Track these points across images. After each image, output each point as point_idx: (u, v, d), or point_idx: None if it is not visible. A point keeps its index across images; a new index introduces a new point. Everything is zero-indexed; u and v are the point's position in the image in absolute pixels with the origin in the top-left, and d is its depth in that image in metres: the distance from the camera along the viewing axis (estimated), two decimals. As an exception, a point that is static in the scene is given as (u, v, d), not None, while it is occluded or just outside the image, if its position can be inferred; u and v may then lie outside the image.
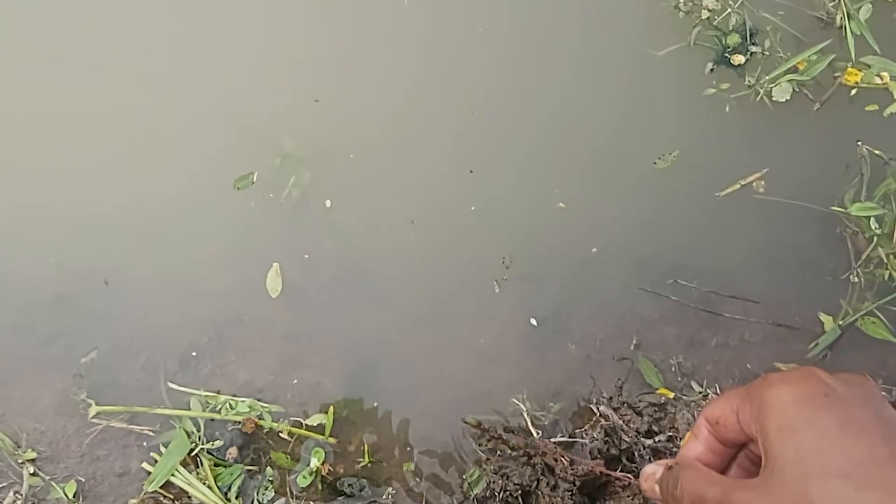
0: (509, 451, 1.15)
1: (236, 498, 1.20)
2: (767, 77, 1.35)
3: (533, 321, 1.28)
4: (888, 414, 0.63)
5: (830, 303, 1.27)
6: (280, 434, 1.23)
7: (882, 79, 1.31)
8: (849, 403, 0.62)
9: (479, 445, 1.17)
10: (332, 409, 1.24)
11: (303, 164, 1.35)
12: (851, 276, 1.27)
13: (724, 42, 1.38)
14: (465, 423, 1.17)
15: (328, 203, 1.35)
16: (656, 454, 1.12)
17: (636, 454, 1.12)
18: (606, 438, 1.14)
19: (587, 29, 1.42)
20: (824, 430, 0.60)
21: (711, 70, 1.38)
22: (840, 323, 1.23)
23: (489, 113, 1.39)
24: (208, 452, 1.21)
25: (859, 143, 1.32)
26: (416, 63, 1.42)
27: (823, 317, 1.25)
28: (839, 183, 1.31)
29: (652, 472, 0.75)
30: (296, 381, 1.27)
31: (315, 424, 1.23)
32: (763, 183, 1.33)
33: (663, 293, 1.28)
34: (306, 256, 1.33)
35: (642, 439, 1.12)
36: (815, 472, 0.58)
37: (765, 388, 0.65)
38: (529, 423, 1.20)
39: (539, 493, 1.12)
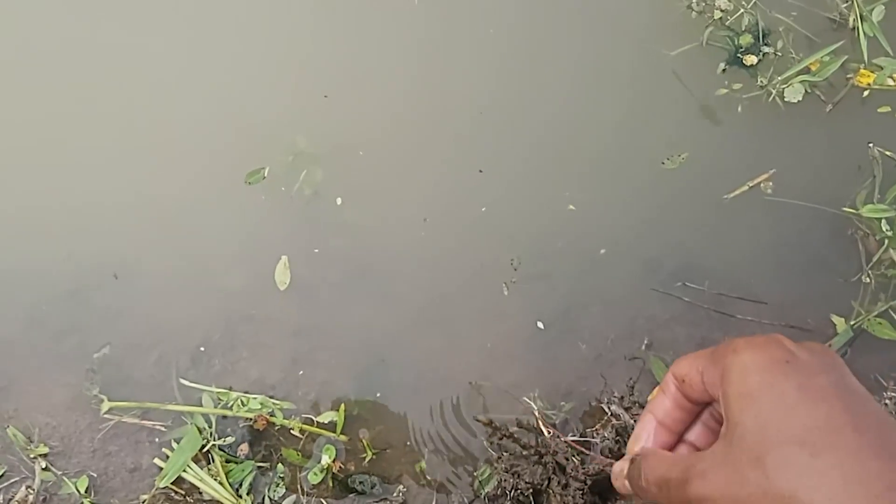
0: (520, 450, 1.15)
1: (247, 494, 1.20)
2: (780, 78, 1.35)
3: (540, 324, 1.28)
4: (850, 382, 0.63)
5: (842, 304, 1.27)
6: (291, 431, 1.23)
7: (894, 80, 1.31)
8: (810, 371, 0.62)
9: (490, 444, 1.18)
10: (342, 406, 1.24)
11: (315, 161, 1.35)
12: (863, 278, 1.27)
13: (736, 42, 1.38)
14: (477, 420, 1.17)
15: (339, 200, 1.35)
16: (667, 454, 1.12)
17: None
18: (618, 438, 1.14)
19: (599, 28, 1.42)
20: (783, 397, 0.60)
21: (724, 70, 1.38)
22: (852, 324, 1.23)
23: (499, 112, 1.39)
24: (220, 449, 1.22)
25: (871, 145, 1.32)
26: (426, 62, 1.42)
27: (836, 318, 1.25)
28: (850, 184, 1.31)
29: (620, 469, 0.76)
30: (307, 378, 1.27)
31: (326, 422, 1.23)
32: (771, 184, 1.33)
33: (674, 294, 1.28)
34: (316, 251, 1.33)
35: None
36: (772, 440, 0.59)
37: (728, 354, 0.65)
38: (540, 422, 1.21)
39: (550, 491, 1.12)
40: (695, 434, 0.77)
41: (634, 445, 0.77)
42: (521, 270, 1.31)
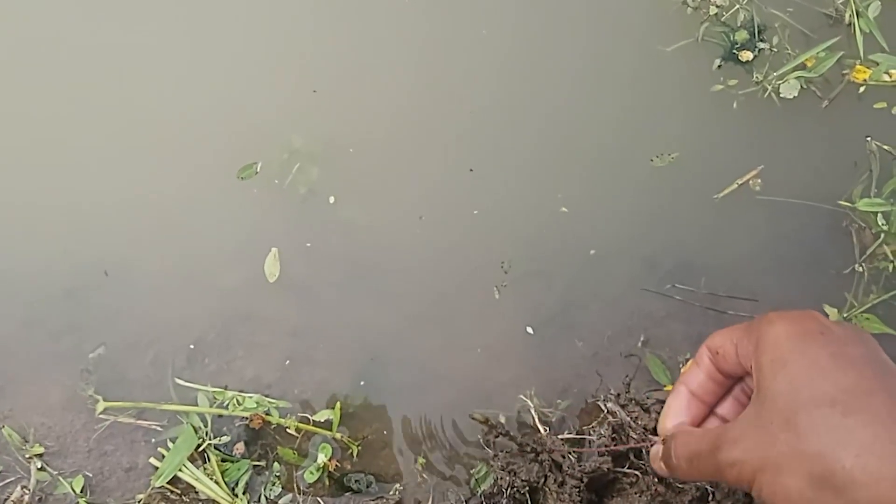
0: (517, 448, 1.15)
1: (243, 493, 1.20)
2: (775, 74, 1.35)
3: (529, 329, 1.28)
4: (881, 354, 0.64)
5: (837, 298, 1.26)
6: (287, 430, 1.23)
7: (890, 76, 1.31)
8: (842, 341, 0.63)
9: (487, 442, 1.17)
10: (338, 404, 1.24)
11: (310, 159, 1.35)
12: (857, 269, 1.27)
13: (732, 38, 1.38)
14: (473, 418, 1.17)
15: (332, 199, 1.34)
16: (664, 451, 1.12)
17: (643, 451, 1.12)
18: (614, 435, 1.14)
19: (593, 25, 1.41)
20: (816, 362, 0.61)
21: (719, 66, 1.38)
22: (846, 315, 1.23)
23: (493, 111, 1.38)
24: (216, 448, 1.22)
25: (868, 139, 1.31)
26: (422, 62, 1.41)
27: (828, 309, 1.25)
28: (846, 179, 1.31)
29: (655, 452, 0.77)
30: (303, 376, 1.27)
31: (322, 420, 1.23)
32: (759, 181, 1.32)
33: (665, 293, 1.28)
34: (308, 244, 1.33)
35: (650, 436, 1.12)
36: (803, 401, 0.60)
37: (763, 325, 0.66)
38: (537, 420, 1.20)
39: (546, 489, 1.12)
40: (725, 408, 0.77)
41: (666, 420, 0.77)
42: (515, 269, 1.31)
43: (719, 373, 0.74)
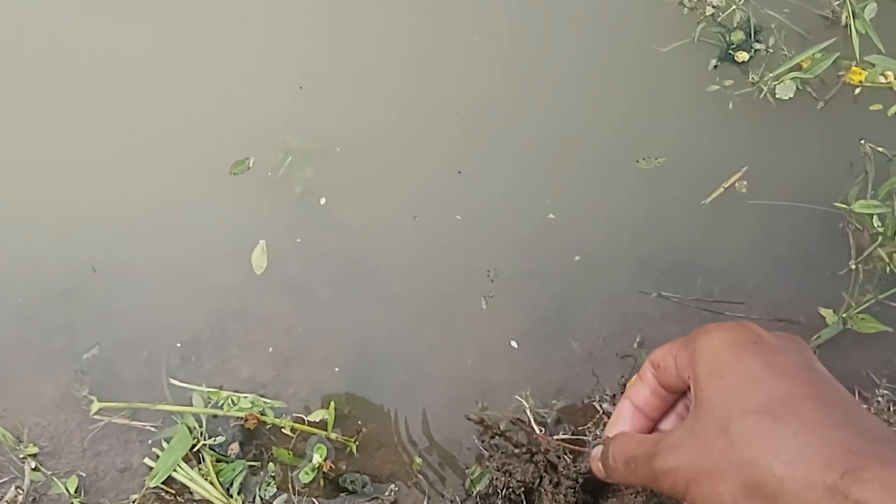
0: (512, 448, 1.15)
1: (238, 493, 1.20)
2: (771, 74, 1.35)
3: (514, 343, 1.28)
4: (814, 363, 0.66)
5: (832, 299, 1.27)
6: (282, 430, 1.23)
7: (886, 78, 1.31)
8: (776, 351, 0.65)
9: (482, 442, 1.17)
10: (332, 404, 1.23)
11: (305, 159, 1.35)
12: (852, 271, 1.27)
13: (728, 39, 1.38)
14: (468, 419, 1.17)
15: (323, 200, 1.34)
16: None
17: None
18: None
19: (589, 26, 1.41)
20: (749, 372, 0.63)
21: (715, 67, 1.38)
22: (843, 316, 1.23)
23: (488, 113, 1.38)
24: (210, 448, 1.21)
25: (862, 141, 1.31)
26: (414, 64, 1.41)
27: (823, 311, 1.25)
28: (842, 181, 1.31)
29: (596, 453, 0.78)
30: (298, 376, 1.27)
31: (317, 420, 1.23)
32: (745, 182, 1.32)
33: (663, 295, 1.28)
34: (299, 241, 1.32)
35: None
36: (736, 410, 0.61)
37: (700, 336, 0.68)
38: (532, 421, 1.20)
39: (542, 490, 1.12)
40: (668, 423, 0.79)
41: (610, 430, 0.79)
42: (509, 270, 1.31)
43: (662, 388, 0.76)
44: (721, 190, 1.32)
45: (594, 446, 0.80)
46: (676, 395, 0.77)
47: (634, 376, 0.79)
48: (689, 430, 0.64)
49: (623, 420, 0.79)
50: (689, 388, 0.71)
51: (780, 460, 0.56)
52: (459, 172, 1.35)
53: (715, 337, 0.66)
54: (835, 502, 0.53)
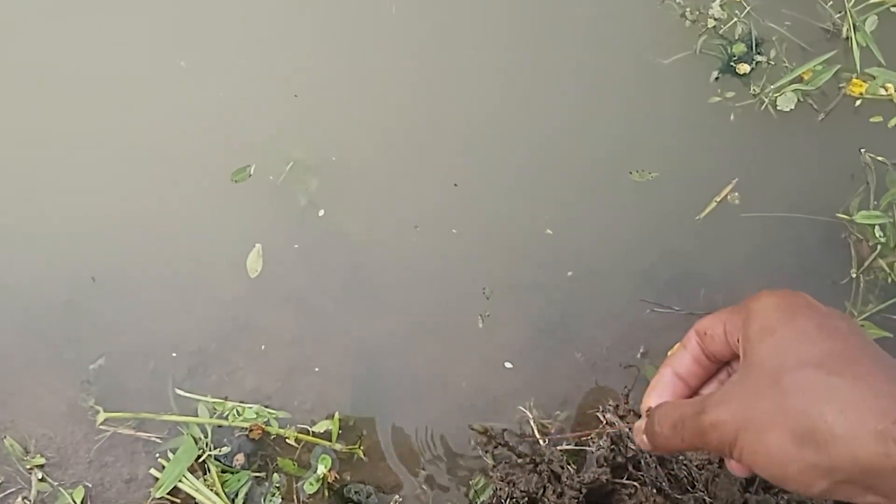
0: (516, 458, 1.16)
1: (243, 504, 1.21)
2: (772, 86, 1.35)
3: (508, 364, 1.28)
4: (864, 332, 0.66)
5: (835, 307, 1.27)
6: (287, 441, 1.23)
7: (887, 90, 1.32)
8: (828, 315, 0.65)
9: (486, 452, 1.18)
10: (337, 415, 1.24)
11: (309, 171, 1.36)
12: (854, 282, 1.27)
13: (729, 51, 1.39)
14: (472, 429, 1.18)
15: (322, 212, 1.35)
16: (662, 462, 1.12)
17: (642, 462, 1.12)
18: (613, 446, 1.15)
19: (591, 38, 1.42)
20: (803, 330, 0.63)
21: (717, 78, 1.39)
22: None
23: (489, 125, 1.39)
24: (216, 459, 1.22)
25: (862, 151, 1.32)
26: (413, 78, 1.42)
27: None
28: (844, 191, 1.32)
29: (639, 426, 0.78)
30: (303, 387, 1.27)
31: (322, 431, 1.23)
32: (737, 194, 1.33)
33: (656, 309, 1.29)
34: (296, 246, 1.33)
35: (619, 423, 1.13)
36: (789, 363, 0.61)
37: (752, 300, 0.68)
38: (536, 431, 1.21)
39: (545, 500, 1.12)
40: (709, 390, 0.78)
41: (649, 399, 0.78)
42: (512, 281, 1.31)
43: (705, 356, 0.75)
44: (714, 205, 1.33)
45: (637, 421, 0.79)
46: (718, 365, 0.77)
47: (677, 344, 0.79)
48: (739, 384, 0.64)
49: (663, 386, 0.77)
50: (734, 356, 0.72)
51: (833, 407, 0.57)
52: (455, 185, 1.36)
53: (768, 300, 0.67)
54: (884, 447, 0.54)
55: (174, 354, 1.29)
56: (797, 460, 0.58)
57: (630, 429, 1.13)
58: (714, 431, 0.64)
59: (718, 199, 1.33)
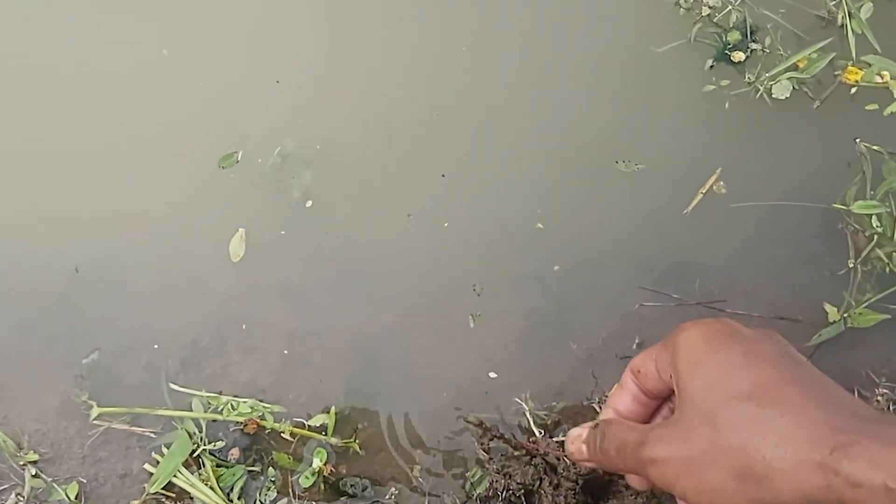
0: (511, 451, 1.15)
1: (239, 498, 1.20)
2: (767, 74, 1.35)
3: (492, 374, 1.28)
4: (791, 352, 0.67)
5: (832, 297, 1.27)
6: (282, 434, 1.23)
7: (882, 78, 1.31)
8: (753, 341, 0.67)
9: (481, 445, 1.17)
10: (333, 408, 1.24)
11: (303, 163, 1.35)
12: (852, 272, 1.27)
13: (724, 39, 1.38)
14: (467, 422, 1.17)
15: (309, 203, 1.34)
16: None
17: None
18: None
19: (583, 27, 1.41)
20: (729, 361, 0.65)
21: (711, 67, 1.38)
22: (846, 315, 1.24)
23: (484, 116, 1.38)
24: (210, 453, 1.21)
25: (857, 140, 1.32)
26: (407, 65, 1.41)
27: (828, 307, 1.25)
28: (839, 180, 1.31)
29: (577, 434, 0.79)
30: (298, 380, 1.27)
31: (317, 425, 1.23)
32: (722, 183, 1.33)
33: (645, 304, 1.29)
34: (281, 229, 1.33)
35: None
36: (720, 398, 0.63)
37: (677, 333, 0.69)
38: (532, 423, 1.21)
39: (542, 492, 1.12)
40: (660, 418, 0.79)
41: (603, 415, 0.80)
42: (507, 273, 1.31)
43: (643, 393, 0.77)
44: (700, 196, 1.32)
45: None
46: (658, 402, 0.78)
47: (615, 385, 0.81)
48: (675, 421, 0.65)
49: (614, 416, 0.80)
50: (671, 391, 0.72)
51: (769, 442, 0.57)
52: (443, 176, 1.35)
53: (692, 332, 0.68)
54: (825, 478, 0.54)
55: (167, 348, 1.28)
56: (741, 497, 0.59)
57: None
58: (654, 467, 0.65)
59: (704, 191, 1.32)
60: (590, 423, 0.79)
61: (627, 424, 0.73)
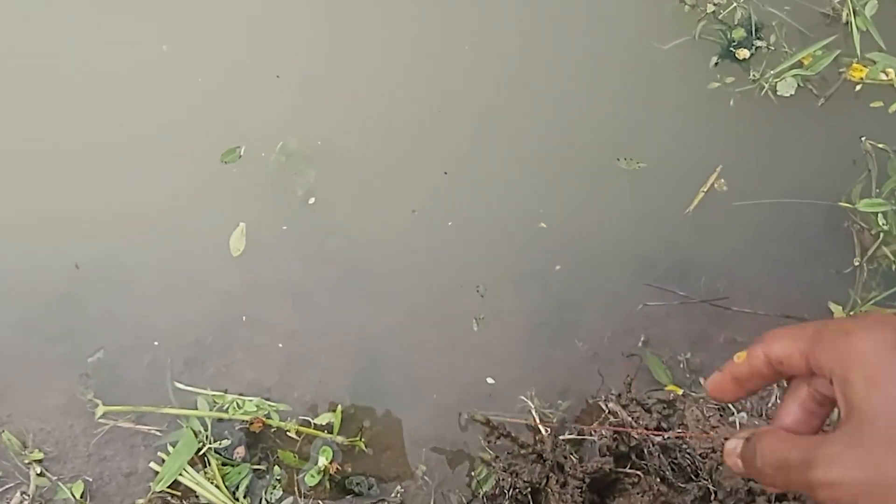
0: (518, 449, 1.15)
1: (244, 497, 1.20)
2: (772, 72, 1.35)
3: (490, 380, 1.28)
4: None
5: (838, 295, 1.27)
6: (288, 433, 1.22)
7: (887, 75, 1.31)
8: None
9: (488, 443, 1.17)
10: (339, 407, 1.23)
11: (307, 162, 1.35)
12: (858, 270, 1.27)
13: (729, 36, 1.38)
14: (474, 420, 1.17)
15: (312, 200, 1.34)
16: (665, 451, 1.12)
17: (645, 451, 1.12)
18: (615, 436, 1.14)
19: (589, 25, 1.41)
20: None
21: (716, 64, 1.38)
22: (851, 313, 1.24)
23: (487, 115, 1.38)
24: (216, 452, 1.21)
25: (863, 139, 1.31)
26: (417, 63, 1.41)
27: (833, 306, 1.25)
28: (844, 178, 1.31)
29: (732, 447, 0.72)
30: (303, 379, 1.27)
31: (323, 423, 1.23)
32: (723, 181, 1.33)
33: (668, 289, 1.28)
34: (284, 228, 1.32)
35: (651, 436, 1.12)
36: None
37: (840, 336, 0.63)
38: (538, 421, 1.20)
39: (549, 490, 1.12)
40: (789, 412, 0.73)
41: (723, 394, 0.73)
42: (512, 270, 1.31)
43: (778, 376, 0.71)
44: (701, 195, 1.32)
45: (726, 438, 0.76)
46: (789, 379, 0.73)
47: (741, 353, 0.73)
48: (851, 441, 0.61)
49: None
50: (817, 376, 0.68)
51: None
52: (446, 173, 1.35)
53: (862, 338, 0.62)
54: None
55: (171, 346, 1.28)
56: None
57: (633, 418, 1.13)
58: (825, 491, 0.61)
59: (706, 189, 1.32)
60: (744, 433, 0.73)
61: (784, 438, 0.67)
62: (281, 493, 1.21)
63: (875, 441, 0.59)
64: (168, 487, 1.19)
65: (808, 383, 0.73)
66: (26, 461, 1.21)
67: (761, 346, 0.68)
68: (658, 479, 1.11)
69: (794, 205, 1.31)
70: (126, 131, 1.37)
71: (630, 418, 1.13)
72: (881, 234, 1.25)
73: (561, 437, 1.17)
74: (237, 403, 1.22)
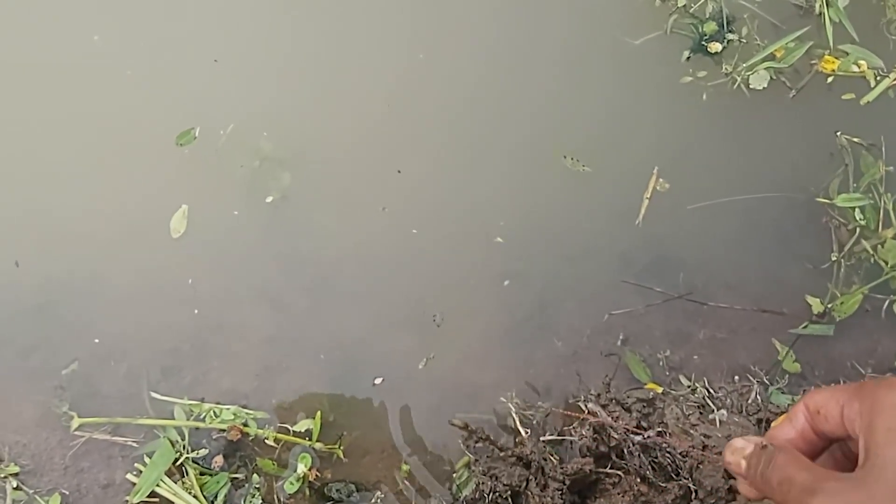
0: (498, 452, 1.15)
1: (223, 506, 1.19)
2: (745, 65, 1.34)
3: (470, 381, 1.27)
4: None
5: (816, 290, 1.27)
6: (266, 441, 1.22)
7: (859, 67, 1.31)
8: None
9: (467, 447, 1.17)
10: (318, 413, 1.23)
11: (282, 165, 1.34)
12: (836, 265, 1.27)
13: (700, 30, 1.37)
14: (453, 425, 1.16)
15: (269, 199, 1.33)
16: (646, 450, 1.11)
17: (625, 451, 1.11)
18: (595, 436, 1.14)
19: (559, 20, 1.40)
20: None
21: (688, 58, 1.38)
22: (829, 306, 1.24)
23: (466, 116, 1.38)
24: (193, 461, 1.20)
25: (838, 134, 1.31)
26: (388, 71, 1.40)
27: (811, 299, 1.25)
28: (819, 171, 1.31)
29: (741, 446, 0.73)
30: (281, 386, 1.26)
31: (302, 430, 1.22)
32: (662, 180, 1.32)
33: (647, 286, 1.28)
34: (257, 231, 1.32)
35: (631, 435, 1.12)
36: None
37: (880, 388, 0.64)
38: (518, 423, 1.20)
39: (529, 493, 1.12)
40: (821, 464, 0.74)
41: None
42: (498, 267, 1.30)
43: (813, 433, 0.72)
44: (646, 202, 1.32)
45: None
46: (825, 443, 0.74)
47: (782, 416, 0.75)
48: (859, 481, 0.61)
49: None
50: (848, 438, 0.69)
51: None
52: (399, 171, 1.34)
53: None
54: None
55: (147, 356, 1.27)
56: None
57: (613, 418, 1.13)
58: None
59: (648, 196, 1.32)
60: (757, 439, 0.73)
61: (800, 461, 0.68)
62: (260, 501, 1.20)
63: (881, 487, 0.60)
64: (146, 498, 1.18)
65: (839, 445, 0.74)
66: (2, 475, 1.20)
67: (802, 400, 0.70)
68: (639, 479, 1.10)
69: (771, 199, 1.31)
70: (103, 143, 1.35)
71: (610, 418, 1.13)
72: (858, 230, 1.25)
73: (542, 438, 1.16)
74: (214, 412, 1.21)
